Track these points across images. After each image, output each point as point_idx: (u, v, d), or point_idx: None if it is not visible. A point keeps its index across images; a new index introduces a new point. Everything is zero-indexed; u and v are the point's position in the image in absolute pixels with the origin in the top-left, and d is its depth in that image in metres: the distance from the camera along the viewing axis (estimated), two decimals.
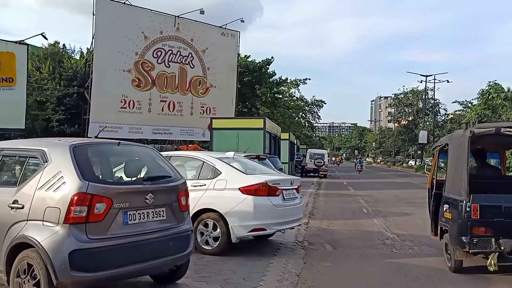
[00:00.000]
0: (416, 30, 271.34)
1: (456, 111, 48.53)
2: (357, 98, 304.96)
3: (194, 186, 6.26)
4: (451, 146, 6.36)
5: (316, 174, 30.01)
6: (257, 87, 30.70)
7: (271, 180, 6.36)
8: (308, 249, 7.14)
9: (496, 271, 5.30)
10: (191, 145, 25.49)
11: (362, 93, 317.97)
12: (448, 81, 50.10)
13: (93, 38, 21.05)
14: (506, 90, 27.75)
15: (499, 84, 28.13)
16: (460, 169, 5.74)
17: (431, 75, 46.62)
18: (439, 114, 51.94)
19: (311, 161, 30.61)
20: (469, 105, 35.19)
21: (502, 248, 5.31)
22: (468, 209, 5.39)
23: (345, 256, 6.76)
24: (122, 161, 4.41)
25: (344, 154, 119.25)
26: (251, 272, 5.31)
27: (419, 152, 54.56)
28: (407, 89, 53.80)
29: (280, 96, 37.90)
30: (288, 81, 40.00)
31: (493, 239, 5.33)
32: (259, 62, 31.69)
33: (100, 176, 4.03)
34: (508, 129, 5.69)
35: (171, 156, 6.89)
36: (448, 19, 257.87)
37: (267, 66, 31.84)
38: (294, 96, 45.21)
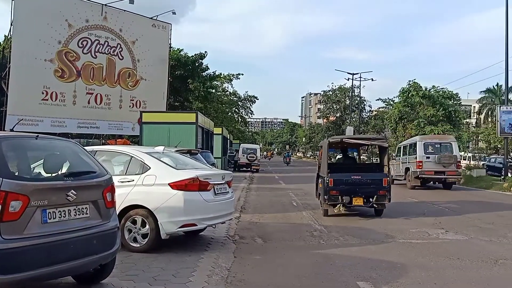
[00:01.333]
0: (343, 29, 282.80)
1: (379, 108, 51.38)
2: (289, 94, 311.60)
3: (122, 182, 6.06)
4: (323, 147, 11.37)
5: (249, 169, 30.32)
6: (190, 81, 30.30)
7: (202, 175, 6.31)
8: (239, 243, 7.20)
9: (342, 213, 10.23)
10: (119, 139, 24.60)
11: (293, 90, 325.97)
12: (372, 80, 52.33)
13: (11, 24, 19.60)
14: (424, 89, 29.76)
15: (417, 83, 30.10)
16: (325, 160, 10.92)
17: (357, 73, 48.72)
18: (364, 111, 54.52)
19: (243, 156, 30.87)
20: (391, 102, 37.34)
21: (344, 201, 9.92)
22: (327, 181, 9.96)
23: (275, 249, 6.90)
24: (41, 156, 4.13)
25: (276, 149, 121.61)
26: (181, 268, 5.25)
27: None
28: (335, 86, 55.90)
29: (213, 90, 37.72)
30: (221, 76, 39.93)
31: (339, 196, 9.91)
32: (192, 56, 31.29)
33: (16, 172, 3.75)
34: (347, 139, 11.46)
35: (96, 150, 6.59)
36: (372, 20, 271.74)
37: (200, 61, 31.52)
38: (227, 91, 45.26)
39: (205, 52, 31.43)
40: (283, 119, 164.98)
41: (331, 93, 56.30)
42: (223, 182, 6.79)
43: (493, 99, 56.41)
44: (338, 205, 9.98)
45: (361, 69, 57.70)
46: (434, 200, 13.98)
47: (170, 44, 27.75)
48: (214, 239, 7.16)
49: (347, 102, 54.71)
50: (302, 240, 7.59)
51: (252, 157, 30.46)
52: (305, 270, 5.63)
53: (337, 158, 15.02)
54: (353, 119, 52.67)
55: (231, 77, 42.22)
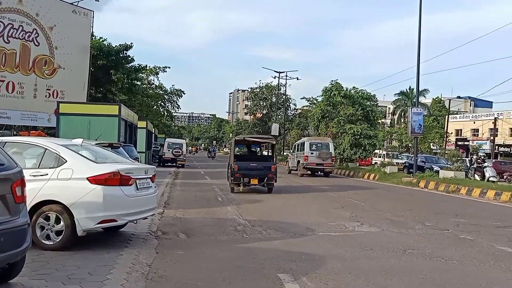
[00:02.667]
0: (270, 28, 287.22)
1: (303, 106, 53.12)
2: (216, 90, 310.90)
3: (34, 175, 5.67)
4: (232, 143, 16.58)
5: (174, 164, 29.82)
6: (113, 72, 29.05)
7: (123, 169, 6.10)
8: (162, 238, 7.07)
9: (242, 191, 14.39)
10: (33, 131, 22.98)
11: (221, 85, 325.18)
12: (298, 79, 53.98)
13: None
14: (345, 89, 31.21)
15: (339, 83, 31.46)
16: (232, 152, 15.56)
17: (284, 72, 49.97)
18: (289, 109, 56.00)
19: (169, 150, 30.27)
20: (315, 101, 38.75)
21: (244, 181, 14.16)
22: (233, 167, 14.24)
23: (198, 244, 6.87)
24: None
25: (203, 144, 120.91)
26: (98, 266, 5.03)
27: None
28: (262, 83, 56.78)
29: (138, 83, 36.54)
30: (147, 68, 38.78)
31: (241, 178, 14.15)
32: (116, 46, 29.98)
33: None
34: (247, 137, 16.89)
35: (6, 142, 6.11)
36: (296, 21, 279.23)
37: (125, 52, 30.31)
38: (153, 84, 44.10)
39: (131, 43, 30.34)
40: (210, 115, 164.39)
41: (258, 90, 57.07)
42: (146, 176, 6.62)
43: (405, 101, 60.72)
44: (240, 184, 14.48)
45: (288, 68, 59.36)
46: (316, 184, 19.46)
47: (92, 32, 26.37)
48: (135, 235, 6.95)
49: (274, 99, 55.83)
50: (226, 234, 7.62)
51: (177, 152, 29.98)
52: (227, 264, 5.67)
53: (243, 151, 18.84)
54: (279, 117, 53.88)
55: (157, 70, 41.19)
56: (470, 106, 72.55)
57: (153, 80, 43.50)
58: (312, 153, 23.72)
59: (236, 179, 14.31)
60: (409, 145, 43.08)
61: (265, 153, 17.99)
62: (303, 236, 7.62)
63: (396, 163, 29.88)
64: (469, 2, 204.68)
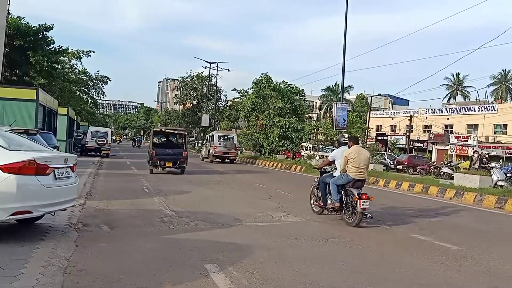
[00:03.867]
0: (202, 17, 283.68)
1: (234, 98, 53.28)
2: (145, 78, 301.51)
3: None
4: (151, 133, 20.44)
5: (98, 154, 28.53)
6: (31, 54, 27.00)
7: (40, 157, 5.70)
8: (82, 231, 6.73)
9: (163, 172, 18.25)
10: None
11: (150, 73, 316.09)
12: (229, 70, 54.34)
13: None
14: (274, 82, 31.77)
15: (269, 76, 32.00)
16: (151, 141, 19.24)
17: (215, 63, 49.73)
18: (220, 100, 55.94)
19: (92, 139, 28.89)
20: (245, 93, 38.99)
21: (161, 164, 17.86)
22: (152, 152, 17.77)
23: (122, 236, 6.64)
24: None
25: (129, 134, 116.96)
26: (11, 260, 4.68)
27: (201, 134, 57.75)
28: (193, 73, 56.05)
29: (59, 67, 34.31)
30: (69, 51, 36.52)
31: (158, 161, 17.73)
32: (35, 27, 27.88)
33: None
34: (163, 129, 22.41)
35: None
36: (228, 12, 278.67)
37: (44, 32, 28.28)
38: (76, 68, 41.63)
39: (51, 24, 28.35)
40: (138, 103, 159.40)
41: (189, 80, 56.28)
42: (66, 166, 6.24)
43: (331, 97, 63.23)
44: (158, 167, 18.04)
45: (219, 59, 58.83)
46: (224, 169, 23.30)
47: (8, 10, 24.24)
48: (53, 228, 6.55)
49: (204, 90, 55.37)
50: (152, 226, 7.45)
51: (102, 141, 28.72)
52: (153, 256, 5.54)
53: (161, 140, 22.47)
54: (210, 108, 53.58)
55: (81, 54, 38.85)
56: (390, 103, 77.26)
57: (76, 65, 41.04)
58: (219, 144, 28.68)
59: (154, 162, 17.82)
60: (334, 139, 44.93)
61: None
62: (231, 227, 7.66)
63: (322, 156, 31.05)
64: (391, 5, 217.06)
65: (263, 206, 10.19)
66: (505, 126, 42.77)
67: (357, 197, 7.88)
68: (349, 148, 8.59)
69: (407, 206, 11.41)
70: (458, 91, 69.37)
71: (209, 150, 29.54)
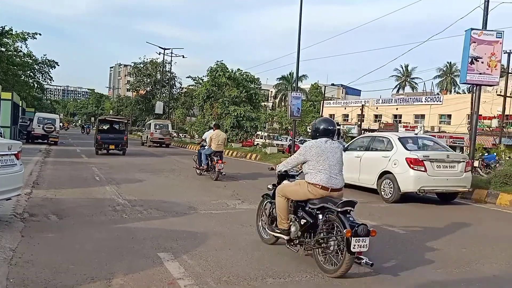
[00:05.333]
0: (155, 2, 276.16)
1: (189, 85, 52.55)
2: (96, 63, 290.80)
3: None
4: (97, 121, 24.40)
5: (45, 141, 27.32)
6: None
7: None
8: (29, 221, 6.46)
9: (106, 154, 21.50)
10: None
11: (101, 59, 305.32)
12: (183, 57, 53.39)
13: None
14: (230, 70, 31.60)
15: (224, 64, 31.76)
16: (97, 128, 23.70)
17: (169, 49, 48.70)
18: (174, 87, 54.98)
19: (39, 126, 27.56)
20: (200, 81, 38.56)
21: (105, 146, 21.39)
22: (97, 137, 21.70)
23: (72, 225, 6.43)
24: None
25: (79, 121, 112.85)
26: None
27: None
28: (147, 59, 54.63)
29: (3, 49, 32.39)
30: (13, 33, 34.50)
31: (102, 144, 21.32)
32: None
33: None
34: (108, 117, 26.45)
35: None
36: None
37: None
38: (21, 51, 39.41)
39: None
40: (88, 89, 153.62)
41: (142, 66, 54.84)
42: (9, 153, 5.94)
43: (286, 86, 63.84)
44: (102, 149, 21.36)
45: (174, 45, 57.60)
46: (158, 151, 27.70)
47: None
48: None
49: (158, 76, 54.21)
50: (103, 215, 7.26)
51: (49, 128, 27.47)
52: (104, 245, 5.41)
53: (106, 127, 24.72)
54: (164, 95, 52.58)
55: (26, 36, 36.80)
56: (342, 93, 79.14)
57: (21, 47, 38.84)
58: (156, 131, 33.13)
59: (99, 145, 21.38)
60: (289, 127, 45.50)
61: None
62: (185, 215, 7.61)
63: (276, 144, 31.38)
64: None
65: (218, 194, 10.19)
66: (449, 116, 45.06)
67: (215, 161, 12.35)
68: (213, 131, 13.79)
69: (356, 194, 11.76)
70: (406, 82, 72.14)
71: (147, 136, 34.26)
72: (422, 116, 47.94)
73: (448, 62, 66.29)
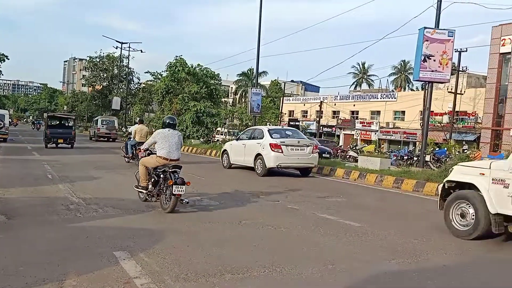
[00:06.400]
0: None
1: (148, 81, 51.46)
2: (49, 57, 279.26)
3: None
4: (46, 117, 26.72)
5: None
6: None
7: None
8: None
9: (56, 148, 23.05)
10: None
11: (54, 52, 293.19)
12: (142, 51, 51.77)
13: None
14: (189, 66, 31.21)
15: (184, 59, 31.32)
16: (46, 123, 25.22)
17: (127, 43, 47.53)
18: (132, 82, 53.69)
19: None
20: (159, 76, 37.89)
21: (54, 140, 23.25)
22: (47, 132, 23.76)
23: (22, 226, 6.16)
24: None
25: (31, 117, 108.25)
26: None
27: None
28: (103, 53, 53.01)
29: None
30: None
31: (52, 138, 23.31)
32: None
33: None
34: (56, 114, 33.15)
35: None
36: None
37: None
38: None
39: None
40: (41, 84, 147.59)
41: (98, 60, 53.14)
42: None
43: (246, 82, 63.90)
44: (51, 143, 22.97)
45: (131, 39, 56.00)
46: (105, 146, 28.94)
47: None
48: None
49: (115, 71, 52.77)
50: (56, 214, 6.99)
51: None
52: (57, 245, 5.22)
53: (55, 123, 26.12)
54: (121, 90, 51.31)
55: None
56: (302, 89, 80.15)
57: None
58: (103, 126, 35.63)
59: (48, 139, 23.07)
60: (249, 123, 45.64)
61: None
62: (143, 212, 7.47)
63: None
64: None
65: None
66: (403, 112, 46.62)
67: (138, 151, 12.03)
68: (138, 125, 16.00)
69: (315, 188, 11.97)
70: (363, 80, 74.00)
71: (94, 131, 36.80)
72: (378, 113, 49.34)
73: (402, 60, 68.55)
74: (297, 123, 54.12)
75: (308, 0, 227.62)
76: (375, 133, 45.90)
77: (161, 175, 7.58)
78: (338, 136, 50.08)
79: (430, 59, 13.80)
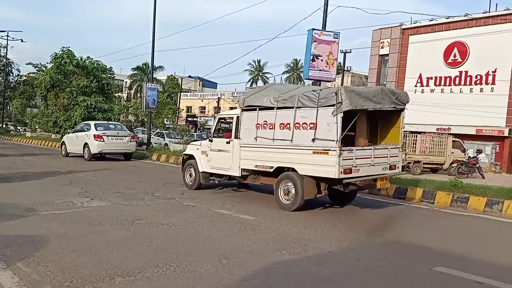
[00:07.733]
0: None
1: (30, 73, 46.91)
2: None
3: None
4: None
5: None
6: None
7: None
8: None
9: None
10: None
11: None
12: (22, 40, 47.10)
13: None
14: (78, 58, 29.13)
15: (71, 51, 29.09)
16: None
17: (4, 31, 42.98)
18: (11, 75, 48.62)
19: None
20: (43, 68, 34.82)
21: None
22: None
23: None
24: None
25: None
26: None
27: None
28: None
29: None
30: None
31: None
32: None
33: None
34: None
35: None
36: None
37: None
38: None
39: None
40: None
41: None
42: None
43: (142, 77, 61.72)
44: None
45: (10, 28, 50.45)
46: None
47: None
48: None
49: None
50: None
51: None
52: None
53: None
54: None
55: None
56: (199, 85, 79.81)
57: None
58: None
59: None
60: (145, 119, 44.17)
61: None
62: (22, 217, 6.81)
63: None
64: None
65: (64, 192, 9.36)
66: None
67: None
68: None
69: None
70: (259, 76, 76.07)
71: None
72: None
73: (295, 59, 71.79)
74: (195, 119, 53.87)
75: None
76: None
77: None
78: None
79: (318, 59, 14.68)
